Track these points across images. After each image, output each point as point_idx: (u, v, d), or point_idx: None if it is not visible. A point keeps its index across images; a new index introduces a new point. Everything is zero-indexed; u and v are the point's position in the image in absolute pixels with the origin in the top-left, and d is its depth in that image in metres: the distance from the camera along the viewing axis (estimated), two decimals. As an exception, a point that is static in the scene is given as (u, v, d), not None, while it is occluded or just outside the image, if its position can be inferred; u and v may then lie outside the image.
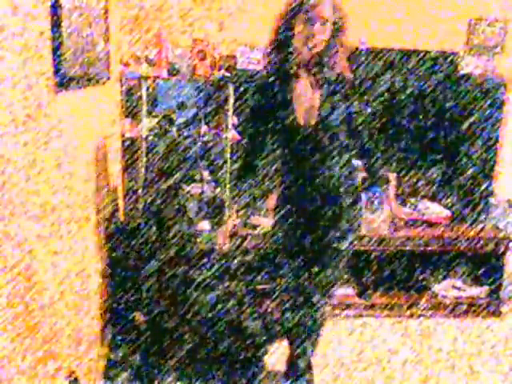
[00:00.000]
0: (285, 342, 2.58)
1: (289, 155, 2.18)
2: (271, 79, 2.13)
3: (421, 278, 3.60)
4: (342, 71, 2.09)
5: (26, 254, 1.23)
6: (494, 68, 3.64)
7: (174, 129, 3.25)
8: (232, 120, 3.30)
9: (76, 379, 1.70)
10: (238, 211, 3.40)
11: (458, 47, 3.65)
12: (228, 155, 3.32)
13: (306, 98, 2.10)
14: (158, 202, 3.21)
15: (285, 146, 2.18)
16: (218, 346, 2.54)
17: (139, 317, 2.61)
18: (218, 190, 3.42)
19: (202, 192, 3.37)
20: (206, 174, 3.46)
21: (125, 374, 2.39)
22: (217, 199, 3.39)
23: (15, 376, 1.14)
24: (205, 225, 3.26)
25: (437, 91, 3.62)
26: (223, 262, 2.86)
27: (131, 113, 3.34)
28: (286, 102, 2.10)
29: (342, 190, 2.16)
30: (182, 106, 3.34)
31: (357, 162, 2.30)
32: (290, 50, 2.03)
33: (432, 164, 3.74)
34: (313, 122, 2.08)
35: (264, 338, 2.67)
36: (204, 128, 3.33)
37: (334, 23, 2.03)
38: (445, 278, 3.63)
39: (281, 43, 2.05)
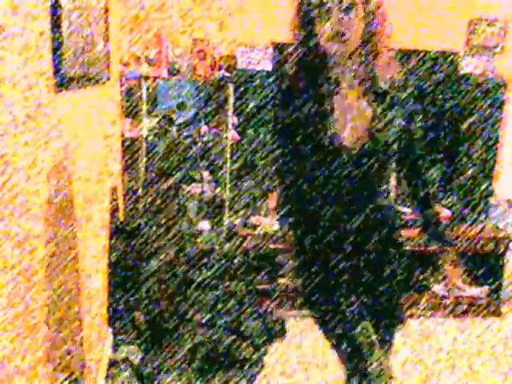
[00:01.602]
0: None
1: (321, 180, 1.61)
2: (297, 85, 1.61)
3: (421, 278, 3.60)
4: (391, 73, 1.70)
5: (26, 254, 1.23)
6: (494, 68, 3.64)
7: (174, 129, 3.26)
8: (232, 120, 3.30)
9: (76, 379, 1.70)
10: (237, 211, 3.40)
11: (458, 47, 3.65)
12: (228, 155, 3.32)
13: (352, 112, 1.61)
14: (158, 201, 3.21)
15: (315, 169, 1.61)
16: (217, 345, 2.54)
17: (139, 317, 2.61)
18: (218, 190, 3.42)
19: (202, 192, 3.37)
20: (205, 174, 3.46)
21: (125, 374, 2.39)
22: (217, 199, 3.40)
23: (15, 376, 1.14)
24: (205, 225, 3.26)
25: (437, 91, 3.61)
26: (223, 261, 2.86)
27: (131, 113, 3.33)
28: (323, 115, 1.58)
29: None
30: (181, 106, 3.34)
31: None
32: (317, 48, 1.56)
33: (432, 164, 3.74)
34: (362, 142, 1.59)
35: (264, 338, 2.67)
36: (204, 128, 3.34)
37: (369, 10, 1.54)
38: (445, 278, 3.63)
39: (305, 39, 1.58)
